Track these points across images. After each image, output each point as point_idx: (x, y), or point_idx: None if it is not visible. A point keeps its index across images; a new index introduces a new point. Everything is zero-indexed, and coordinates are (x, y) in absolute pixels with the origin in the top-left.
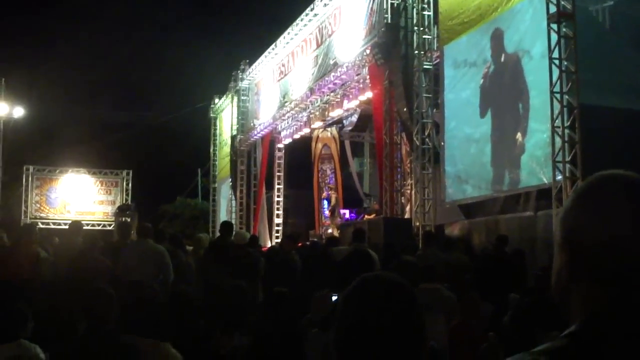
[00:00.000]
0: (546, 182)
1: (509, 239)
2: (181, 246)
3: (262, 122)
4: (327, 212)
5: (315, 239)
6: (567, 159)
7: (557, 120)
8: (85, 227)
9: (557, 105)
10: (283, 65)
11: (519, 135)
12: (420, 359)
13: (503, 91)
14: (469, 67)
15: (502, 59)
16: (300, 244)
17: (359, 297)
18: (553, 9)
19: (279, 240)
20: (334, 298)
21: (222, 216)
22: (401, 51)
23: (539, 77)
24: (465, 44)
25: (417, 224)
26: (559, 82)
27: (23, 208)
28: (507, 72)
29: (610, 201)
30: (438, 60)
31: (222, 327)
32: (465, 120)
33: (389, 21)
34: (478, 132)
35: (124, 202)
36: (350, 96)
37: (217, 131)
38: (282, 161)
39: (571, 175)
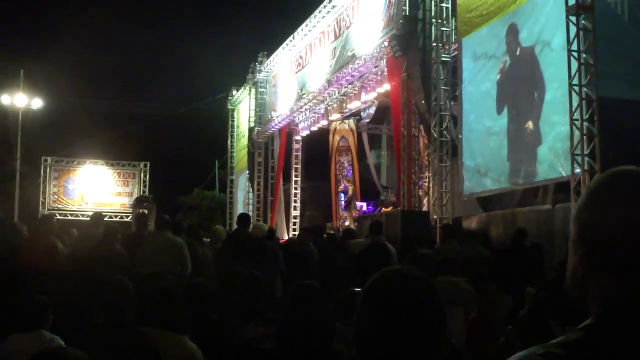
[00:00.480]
0: (564, 175)
1: (527, 232)
2: (198, 238)
3: (280, 114)
4: (343, 204)
5: (332, 232)
6: (586, 152)
7: (575, 113)
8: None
9: (575, 98)
10: (301, 58)
11: (535, 128)
12: (440, 353)
13: (519, 85)
14: (487, 59)
15: (518, 53)
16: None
17: (378, 292)
18: (572, 1)
19: (296, 233)
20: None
21: (240, 208)
22: (419, 43)
23: (559, 69)
24: (483, 36)
25: (435, 216)
26: (577, 75)
27: (41, 199)
28: (523, 65)
29: (625, 195)
30: (456, 53)
31: (238, 317)
32: (484, 112)
33: (407, 13)
34: (497, 125)
35: (141, 193)
36: (368, 88)
37: (235, 123)
38: (299, 153)
39: (590, 168)
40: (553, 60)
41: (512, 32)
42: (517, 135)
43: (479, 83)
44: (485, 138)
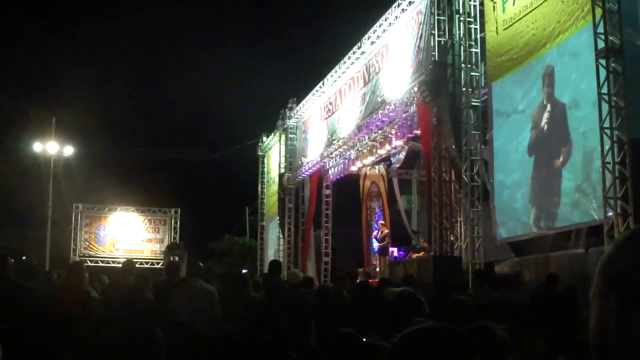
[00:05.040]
0: (597, 218)
1: (560, 276)
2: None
3: (310, 160)
4: (376, 247)
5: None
6: (619, 195)
7: (607, 156)
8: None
9: (607, 141)
10: (330, 104)
11: (568, 172)
12: None
13: (550, 129)
14: (517, 104)
15: (548, 99)
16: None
17: (407, 349)
18: (601, 44)
19: (327, 279)
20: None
21: (270, 254)
22: (449, 88)
23: (588, 112)
24: (514, 80)
25: (467, 261)
26: (608, 117)
27: (72, 246)
28: (555, 113)
29: None
30: (486, 97)
31: None
32: (514, 157)
33: (437, 58)
34: (528, 170)
35: (172, 240)
36: (398, 134)
37: (265, 169)
38: (329, 199)
39: (622, 211)
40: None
41: (543, 77)
42: (548, 179)
43: (510, 128)
44: (516, 183)
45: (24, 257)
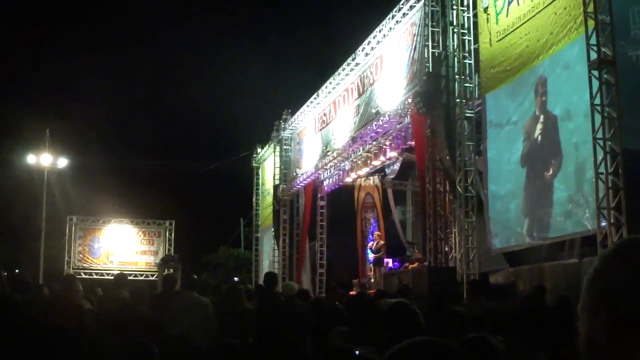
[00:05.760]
0: (591, 228)
1: (554, 286)
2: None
3: (305, 171)
4: (372, 258)
5: (359, 290)
6: (612, 205)
7: (600, 167)
8: (128, 278)
9: (600, 152)
10: (325, 115)
11: (561, 183)
12: None
13: (543, 140)
14: (511, 115)
15: (542, 112)
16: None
17: None
18: (594, 55)
19: (322, 290)
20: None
21: (265, 266)
22: (443, 99)
23: (580, 123)
24: (507, 92)
25: (461, 272)
26: (601, 129)
27: (66, 258)
28: (547, 124)
29: None
30: (480, 108)
31: None
32: (507, 168)
33: (431, 70)
34: (521, 180)
35: (166, 252)
36: (393, 145)
37: (260, 180)
38: (324, 210)
39: (616, 221)
40: (574, 113)
41: (536, 88)
42: (542, 189)
43: (503, 139)
44: (510, 193)
45: (16, 270)
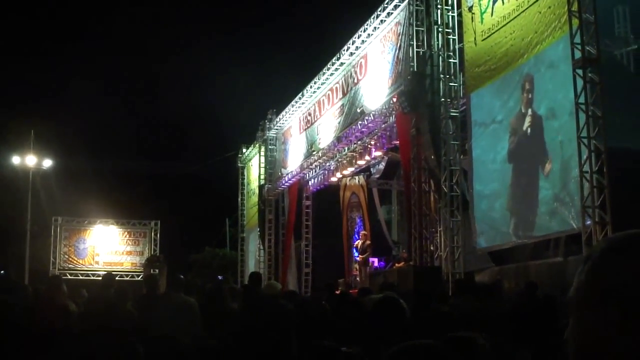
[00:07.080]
0: (575, 227)
1: (539, 284)
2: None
3: (290, 171)
4: (358, 258)
5: (344, 289)
6: (597, 203)
7: (585, 165)
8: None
9: (584, 150)
10: (310, 115)
11: (545, 181)
12: None
13: (528, 139)
14: (496, 114)
15: (526, 109)
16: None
17: None
18: (578, 54)
19: (308, 290)
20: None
21: (251, 266)
22: (428, 99)
23: (565, 121)
24: (492, 91)
25: (447, 271)
26: (586, 127)
27: (52, 259)
28: (533, 123)
29: None
30: (465, 107)
31: None
32: (493, 167)
33: (415, 69)
34: (506, 179)
35: (152, 252)
36: (378, 144)
37: (245, 180)
38: (310, 210)
39: (601, 220)
40: (559, 112)
41: (523, 85)
42: (527, 188)
43: (488, 138)
44: (495, 193)
45: (2, 271)
